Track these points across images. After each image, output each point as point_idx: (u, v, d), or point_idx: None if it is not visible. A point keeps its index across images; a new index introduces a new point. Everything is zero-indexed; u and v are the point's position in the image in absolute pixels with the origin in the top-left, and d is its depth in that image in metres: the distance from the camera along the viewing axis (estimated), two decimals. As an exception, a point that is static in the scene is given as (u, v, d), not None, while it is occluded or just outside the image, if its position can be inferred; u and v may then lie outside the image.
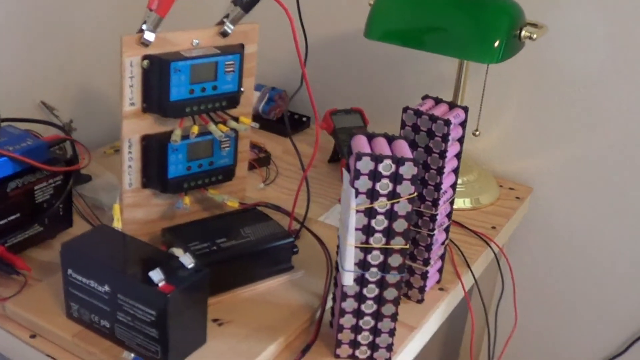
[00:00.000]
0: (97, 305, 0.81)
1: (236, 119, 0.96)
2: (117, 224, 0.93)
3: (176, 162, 0.93)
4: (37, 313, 0.86)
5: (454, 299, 1.04)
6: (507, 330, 1.21)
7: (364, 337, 0.86)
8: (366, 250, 0.81)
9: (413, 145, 0.91)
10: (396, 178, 0.78)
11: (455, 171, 0.96)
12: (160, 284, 0.76)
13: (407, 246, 0.81)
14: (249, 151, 1.29)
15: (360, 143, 0.81)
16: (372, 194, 0.79)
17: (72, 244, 0.84)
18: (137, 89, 0.89)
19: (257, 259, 0.93)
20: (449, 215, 0.98)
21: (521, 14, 1.09)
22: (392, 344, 0.86)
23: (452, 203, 0.98)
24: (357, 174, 0.78)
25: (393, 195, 0.79)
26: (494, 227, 1.17)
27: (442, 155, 0.90)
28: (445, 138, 0.89)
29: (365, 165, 0.77)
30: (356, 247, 0.81)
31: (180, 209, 0.96)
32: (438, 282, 1.02)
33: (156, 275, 0.76)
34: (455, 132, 0.92)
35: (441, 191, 0.92)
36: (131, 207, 0.95)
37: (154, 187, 0.94)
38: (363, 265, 0.82)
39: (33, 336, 0.86)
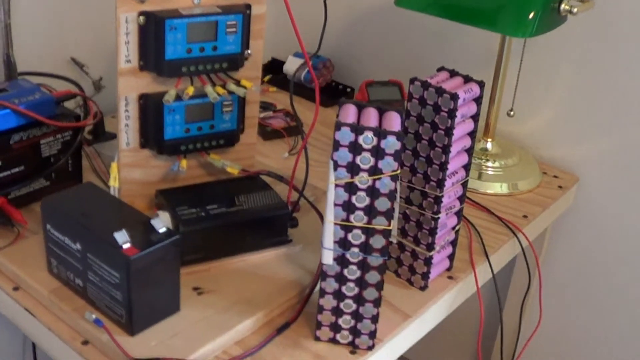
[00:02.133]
0: (72, 262, 0.80)
1: (238, 82, 0.91)
2: (114, 183, 0.92)
3: (173, 123, 0.90)
4: (22, 266, 0.86)
5: (466, 289, 0.97)
6: (529, 330, 1.12)
7: (345, 321, 0.80)
8: (347, 228, 0.75)
9: (420, 120, 0.84)
10: (377, 152, 0.72)
11: (469, 151, 0.88)
12: (124, 246, 0.74)
13: (390, 227, 0.75)
14: (280, 119, 1.27)
15: (347, 112, 0.75)
16: (352, 168, 0.73)
17: (53, 199, 0.83)
18: (133, 46, 0.86)
19: (247, 228, 0.89)
20: (460, 199, 0.90)
21: (562, -16, 0.98)
22: (375, 331, 0.81)
23: (464, 185, 0.90)
24: (336, 145, 0.72)
25: (375, 171, 0.72)
26: (525, 216, 1.07)
27: (449, 132, 0.82)
28: (451, 114, 0.81)
29: (345, 136, 0.72)
30: (336, 224, 0.75)
31: (176, 172, 0.93)
32: (448, 269, 0.95)
33: (121, 236, 0.74)
34: (466, 109, 0.84)
35: (447, 171, 0.84)
36: (129, 167, 0.93)
37: (151, 147, 0.92)
38: (344, 244, 0.76)
39: (16, 288, 0.85)
